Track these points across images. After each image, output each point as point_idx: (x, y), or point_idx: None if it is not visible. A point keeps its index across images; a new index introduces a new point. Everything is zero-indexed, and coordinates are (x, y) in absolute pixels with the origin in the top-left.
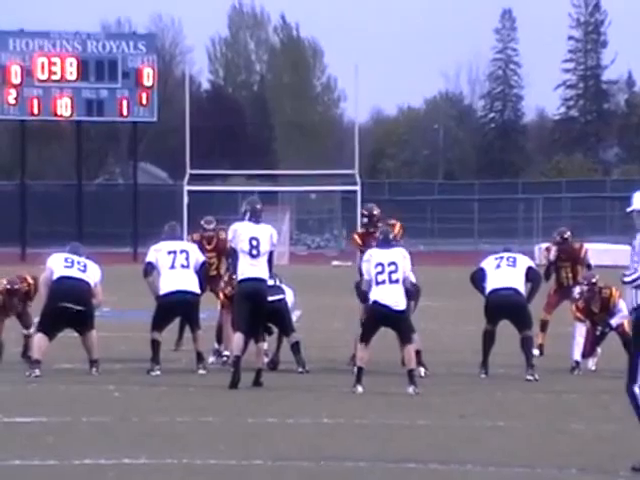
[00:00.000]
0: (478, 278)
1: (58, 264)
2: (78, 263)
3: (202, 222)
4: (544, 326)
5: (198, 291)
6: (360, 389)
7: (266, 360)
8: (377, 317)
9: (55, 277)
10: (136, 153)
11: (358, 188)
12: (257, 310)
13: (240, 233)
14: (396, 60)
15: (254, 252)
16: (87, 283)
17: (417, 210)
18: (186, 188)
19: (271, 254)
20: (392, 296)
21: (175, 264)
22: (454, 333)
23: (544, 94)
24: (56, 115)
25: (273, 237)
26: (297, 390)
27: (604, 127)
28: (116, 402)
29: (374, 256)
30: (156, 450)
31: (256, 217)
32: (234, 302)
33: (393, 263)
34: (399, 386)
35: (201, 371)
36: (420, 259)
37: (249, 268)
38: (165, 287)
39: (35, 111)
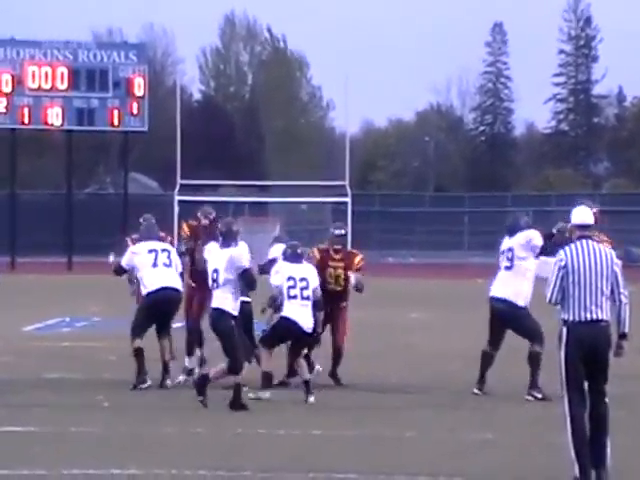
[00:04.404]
0: None
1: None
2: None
3: (141, 220)
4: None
5: (181, 289)
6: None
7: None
8: (286, 332)
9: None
10: (127, 163)
11: (349, 199)
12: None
13: (208, 258)
14: (387, 72)
15: (214, 285)
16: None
17: (407, 222)
18: (177, 198)
19: (244, 273)
20: (303, 315)
21: (157, 262)
22: (444, 345)
23: (534, 108)
24: (47, 124)
25: (234, 260)
26: (287, 402)
27: (594, 141)
28: (105, 412)
29: (284, 269)
30: (145, 460)
31: (227, 240)
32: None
33: (304, 279)
34: (389, 400)
35: (168, 381)
36: (410, 271)
37: (213, 298)
38: (151, 284)
39: (26, 120)
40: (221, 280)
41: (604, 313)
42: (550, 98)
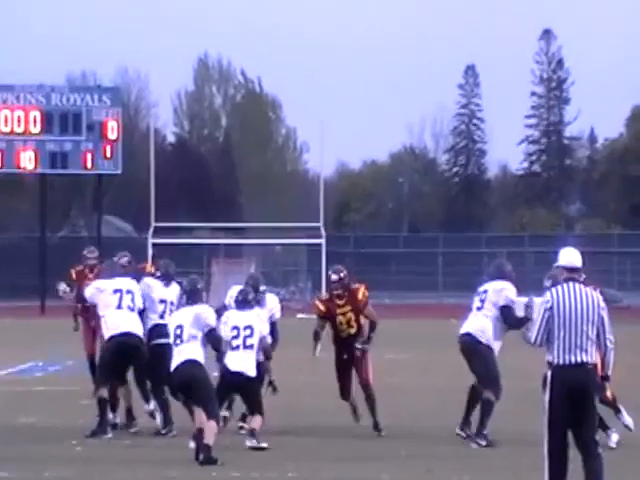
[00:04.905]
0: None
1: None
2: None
3: (85, 252)
4: None
5: (142, 336)
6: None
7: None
8: (228, 383)
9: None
10: (100, 205)
11: (323, 241)
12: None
13: (171, 318)
14: (361, 114)
15: (177, 341)
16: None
17: (382, 263)
18: (151, 241)
19: (211, 332)
20: (244, 363)
21: (122, 304)
22: (419, 385)
23: (507, 149)
24: (20, 168)
25: (201, 318)
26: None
27: (566, 182)
28: (78, 457)
29: (231, 319)
30: None
31: (192, 298)
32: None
33: (249, 327)
34: (366, 441)
35: (135, 429)
36: (385, 312)
37: (179, 352)
38: (115, 328)
39: None
40: (185, 336)
41: (589, 356)
42: (523, 140)
